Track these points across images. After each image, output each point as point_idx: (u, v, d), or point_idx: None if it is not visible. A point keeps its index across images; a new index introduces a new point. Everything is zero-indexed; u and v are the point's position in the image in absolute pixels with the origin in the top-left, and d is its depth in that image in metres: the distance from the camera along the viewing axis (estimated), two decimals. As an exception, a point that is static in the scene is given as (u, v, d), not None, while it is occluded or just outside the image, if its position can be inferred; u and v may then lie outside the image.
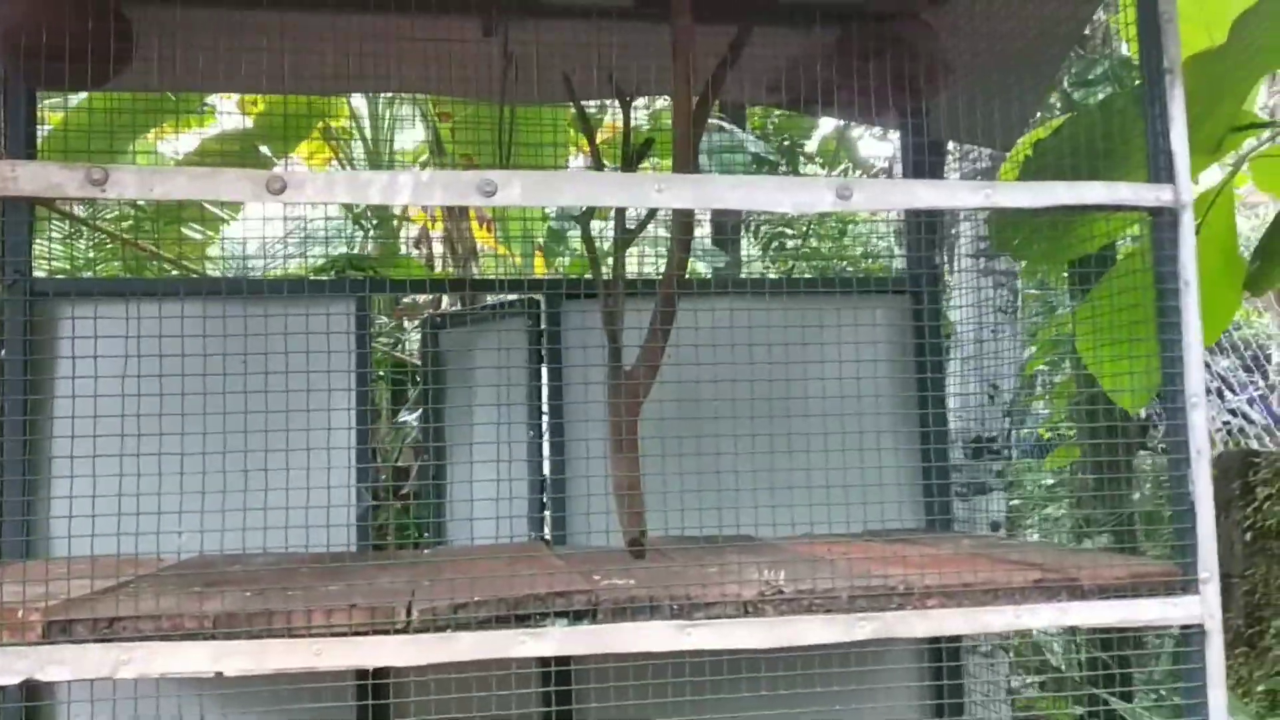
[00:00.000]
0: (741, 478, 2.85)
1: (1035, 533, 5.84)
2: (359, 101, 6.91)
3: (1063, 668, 5.05)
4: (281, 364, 2.27)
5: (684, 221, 2.75)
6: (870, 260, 7.15)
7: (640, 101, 3.38)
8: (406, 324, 6.95)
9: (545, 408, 3.26)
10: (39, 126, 3.23)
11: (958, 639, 3.07)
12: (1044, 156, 2.84)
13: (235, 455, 2.41)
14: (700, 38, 2.68)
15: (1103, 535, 3.94)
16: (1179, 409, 2.20)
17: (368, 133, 7.15)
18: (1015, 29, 2.98)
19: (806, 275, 6.81)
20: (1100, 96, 4.54)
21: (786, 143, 8.08)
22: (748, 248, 7.62)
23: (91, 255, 5.92)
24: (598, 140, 2.95)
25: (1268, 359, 7.94)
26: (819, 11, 3.03)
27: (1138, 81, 2.40)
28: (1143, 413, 5.26)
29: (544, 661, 2.84)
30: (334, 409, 2.95)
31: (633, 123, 2.80)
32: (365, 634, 1.91)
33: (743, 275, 6.31)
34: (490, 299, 4.18)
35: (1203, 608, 2.16)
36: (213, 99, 5.30)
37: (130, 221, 5.97)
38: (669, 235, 2.90)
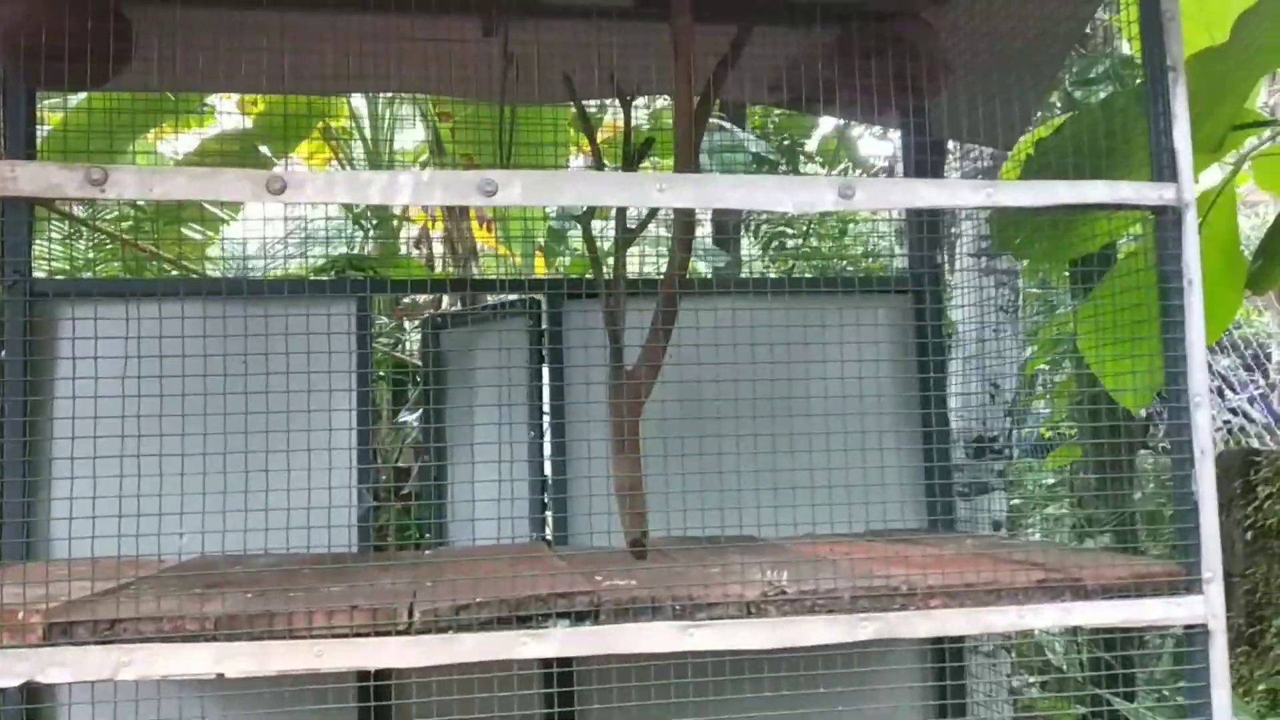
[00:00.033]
0: (743, 478, 2.85)
1: (1036, 532, 5.84)
2: (359, 101, 6.91)
3: (1064, 667, 5.05)
4: (282, 364, 2.26)
5: (686, 221, 2.75)
6: (870, 260, 7.14)
7: (639, 101, 3.37)
8: (407, 324, 6.95)
9: (546, 408, 3.25)
10: (39, 126, 3.22)
11: (960, 639, 3.07)
12: (1046, 155, 2.84)
13: (236, 456, 2.41)
14: (700, 37, 2.67)
15: (1104, 534, 3.93)
16: (1182, 408, 2.20)
17: (367, 133, 7.15)
18: (1016, 28, 2.97)
19: (807, 275, 6.80)
20: (1101, 95, 4.54)
21: (786, 142, 8.07)
22: (748, 247, 7.62)
23: (91, 256, 5.91)
24: (597, 140, 2.95)
25: (1268, 358, 7.93)
26: (819, 10, 3.03)
27: (1139, 80, 2.40)
28: (1143, 412, 5.26)
29: (546, 663, 2.84)
30: (335, 409, 2.95)
31: (633, 122, 2.79)
32: (367, 635, 1.90)
33: (743, 275, 6.31)
34: (491, 299, 4.17)
35: (1206, 608, 2.16)
36: (212, 99, 5.30)
37: (130, 222, 5.97)
38: (669, 235, 2.89)
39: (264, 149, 5.69)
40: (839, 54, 3.01)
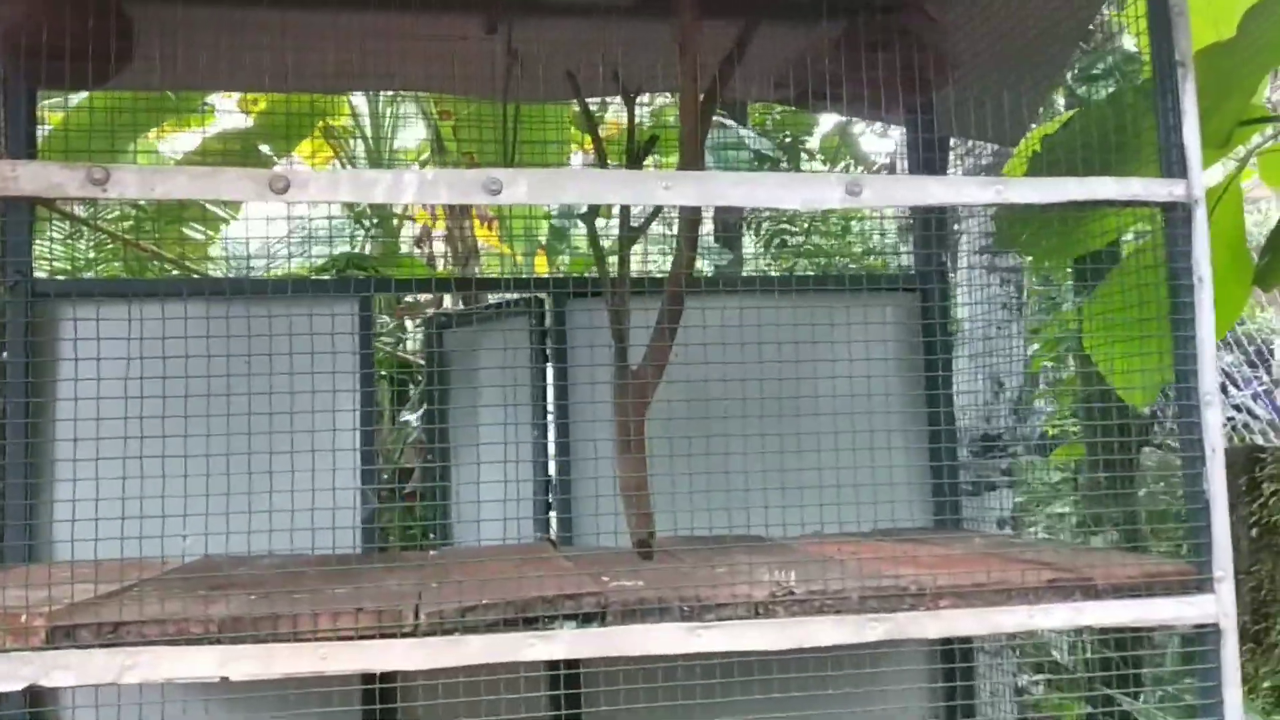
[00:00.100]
0: (750, 477, 2.83)
1: (1040, 530, 5.83)
2: (359, 100, 6.90)
3: (1069, 666, 5.04)
4: (285, 365, 2.25)
5: (691, 219, 2.73)
6: (874, 257, 7.12)
7: (642, 98, 3.36)
8: (409, 324, 6.94)
9: (551, 407, 3.24)
10: (39, 126, 3.21)
11: (969, 639, 3.05)
12: (1053, 151, 2.82)
13: (239, 457, 2.39)
14: (704, 33, 2.66)
15: (1110, 532, 3.92)
16: (1193, 406, 2.18)
17: (368, 131, 7.14)
18: (1018, 26, 2.95)
19: (810, 272, 6.78)
20: (1105, 92, 4.52)
21: (788, 139, 8.04)
22: (750, 245, 7.60)
23: (92, 256, 5.90)
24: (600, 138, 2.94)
25: (1271, 354, 7.92)
26: (825, 5, 3.01)
27: (1143, 76, 2.38)
28: (1146, 409, 5.25)
29: (553, 664, 2.82)
30: (338, 410, 2.93)
31: (636, 120, 2.78)
32: (372, 637, 1.89)
33: (746, 273, 6.29)
34: (494, 298, 4.16)
35: (1218, 607, 2.14)
36: (213, 98, 5.28)
37: (131, 222, 5.95)
38: (673, 233, 2.88)
39: (265, 148, 5.68)
40: (845, 49, 2.99)
